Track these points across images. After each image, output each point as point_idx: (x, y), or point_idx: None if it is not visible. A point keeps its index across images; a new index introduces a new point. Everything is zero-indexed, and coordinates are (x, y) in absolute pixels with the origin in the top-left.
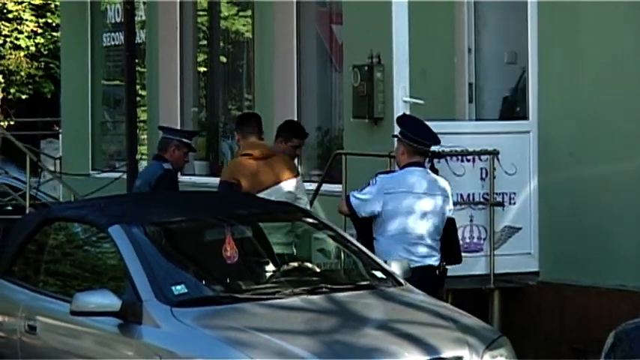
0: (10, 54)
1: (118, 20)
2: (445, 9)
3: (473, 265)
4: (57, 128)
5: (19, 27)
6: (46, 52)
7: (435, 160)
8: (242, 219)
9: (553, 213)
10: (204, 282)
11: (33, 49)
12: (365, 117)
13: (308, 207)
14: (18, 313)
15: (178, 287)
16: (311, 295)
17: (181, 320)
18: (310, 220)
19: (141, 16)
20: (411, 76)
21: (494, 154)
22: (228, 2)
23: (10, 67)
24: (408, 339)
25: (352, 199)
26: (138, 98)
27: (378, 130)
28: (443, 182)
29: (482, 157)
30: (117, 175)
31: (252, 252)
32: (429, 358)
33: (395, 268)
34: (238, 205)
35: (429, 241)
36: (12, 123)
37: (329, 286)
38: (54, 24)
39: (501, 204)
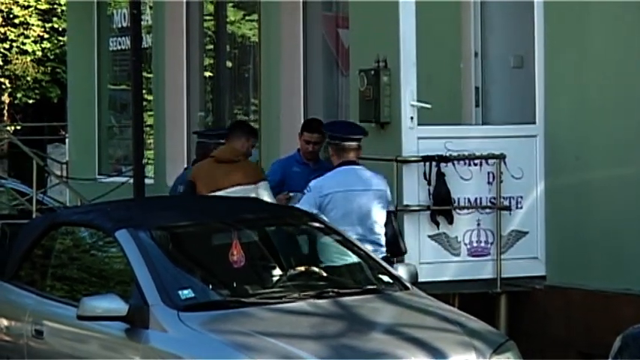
0: (17, 59)
1: (125, 25)
2: (451, 13)
3: (480, 269)
4: (63, 133)
5: (25, 32)
6: (52, 57)
7: (442, 165)
8: (248, 223)
9: (560, 217)
10: (210, 286)
11: (39, 53)
12: (371, 121)
13: None
14: (25, 318)
15: (185, 292)
16: (317, 299)
17: (188, 325)
18: (317, 225)
19: (147, 21)
20: (418, 80)
21: (501, 158)
22: (234, 6)
23: (17, 72)
24: (414, 343)
25: None
26: (144, 103)
27: (385, 134)
28: (378, 177)
29: (489, 161)
30: (123, 179)
31: (258, 256)
32: None
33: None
34: (245, 210)
35: (372, 237)
36: (19, 128)
37: (335, 290)
38: (60, 29)
39: (508, 208)
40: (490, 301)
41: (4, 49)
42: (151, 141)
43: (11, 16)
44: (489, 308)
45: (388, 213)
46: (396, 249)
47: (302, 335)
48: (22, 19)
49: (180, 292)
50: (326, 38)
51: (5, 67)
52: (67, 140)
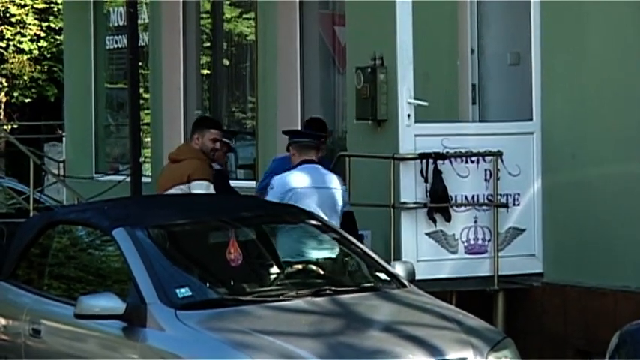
0: (14, 57)
1: (121, 23)
2: (448, 10)
3: (477, 267)
4: (60, 132)
5: (22, 31)
6: (49, 56)
7: (439, 162)
8: (246, 221)
9: (557, 214)
10: (208, 284)
11: (36, 52)
12: (368, 119)
13: None
14: (22, 317)
15: (182, 290)
16: (315, 297)
17: (185, 323)
18: (314, 223)
19: (144, 19)
20: (415, 77)
21: (498, 155)
22: (231, 5)
23: (14, 71)
24: (412, 340)
25: None
26: (141, 101)
27: (382, 131)
28: (334, 177)
29: (486, 158)
30: (120, 178)
31: (255, 254)
32: (433, 359)
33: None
34: (242, 208)
35: None
36: (15, 127)
37: (333, 288)
38: (57, 27)
39: (505, 205)
40: (487, 299)
41: (1, 47)
42: (148, 139)
43: (8, 14)
44: (487, 306)
45: (349, 213)
46: None
47: (300, 333)
48: (18, 17)
49: (177, 291)
50: (323, 36)
51: (2, 65)
52: (64, 139)
